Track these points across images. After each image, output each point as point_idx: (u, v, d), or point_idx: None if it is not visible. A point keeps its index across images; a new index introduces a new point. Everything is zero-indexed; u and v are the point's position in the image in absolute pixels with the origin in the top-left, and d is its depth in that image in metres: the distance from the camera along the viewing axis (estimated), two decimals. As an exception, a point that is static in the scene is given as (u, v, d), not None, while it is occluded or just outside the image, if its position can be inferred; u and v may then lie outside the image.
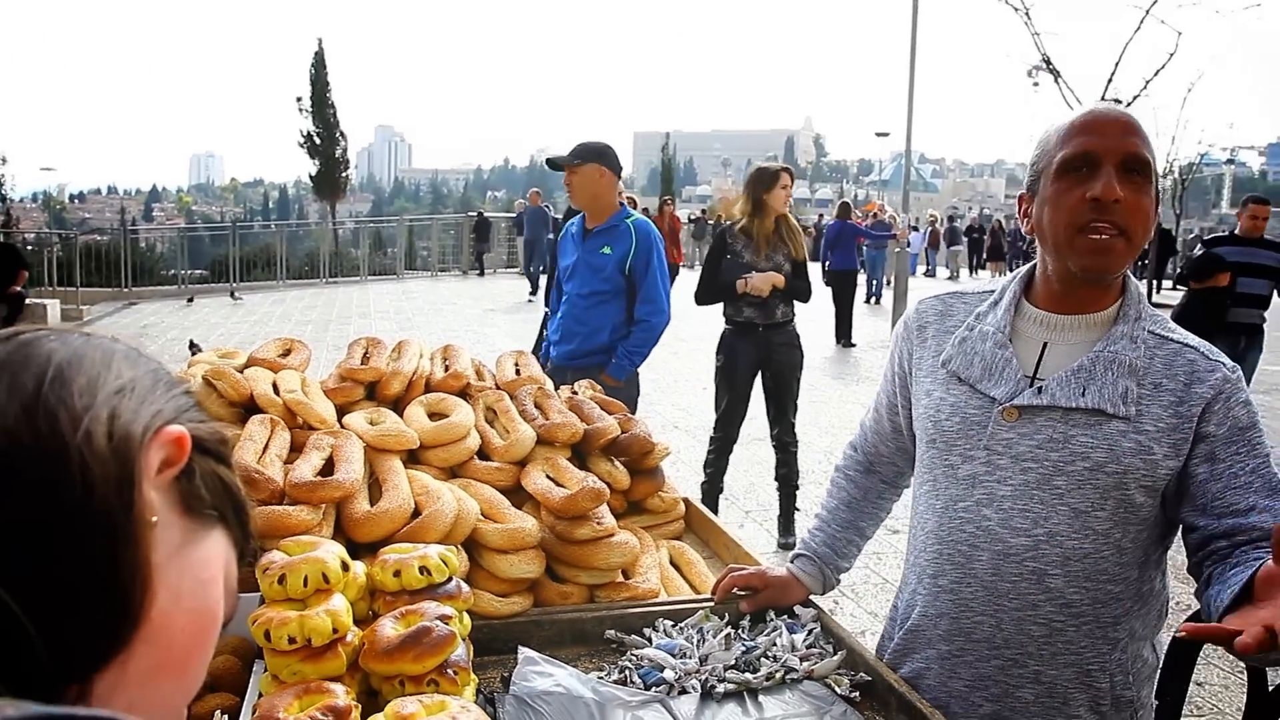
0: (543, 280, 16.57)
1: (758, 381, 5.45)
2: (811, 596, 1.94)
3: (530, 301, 17.65)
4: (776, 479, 5.65)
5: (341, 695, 1.34)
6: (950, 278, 26.98)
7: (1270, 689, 2.06)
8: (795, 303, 5.39)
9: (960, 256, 28.36)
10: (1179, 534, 1.63)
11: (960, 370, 1.70)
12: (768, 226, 5.23)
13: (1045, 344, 1.66)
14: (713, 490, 5.59)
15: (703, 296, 5.38)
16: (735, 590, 1.89)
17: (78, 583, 0.54)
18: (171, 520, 0.60)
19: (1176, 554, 1.64)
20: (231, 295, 18.82)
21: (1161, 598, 1.69)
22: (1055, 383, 1.60)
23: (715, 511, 4.82)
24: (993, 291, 1.77)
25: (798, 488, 5.63)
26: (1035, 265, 1.72)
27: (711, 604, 1.87)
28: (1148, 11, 21.94)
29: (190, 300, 18.14)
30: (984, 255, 27.82)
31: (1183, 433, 1.55)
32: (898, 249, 16.28)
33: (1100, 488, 1.56)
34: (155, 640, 0.58)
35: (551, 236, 18.64)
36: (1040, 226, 1.62)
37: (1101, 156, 1.54)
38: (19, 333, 0.61)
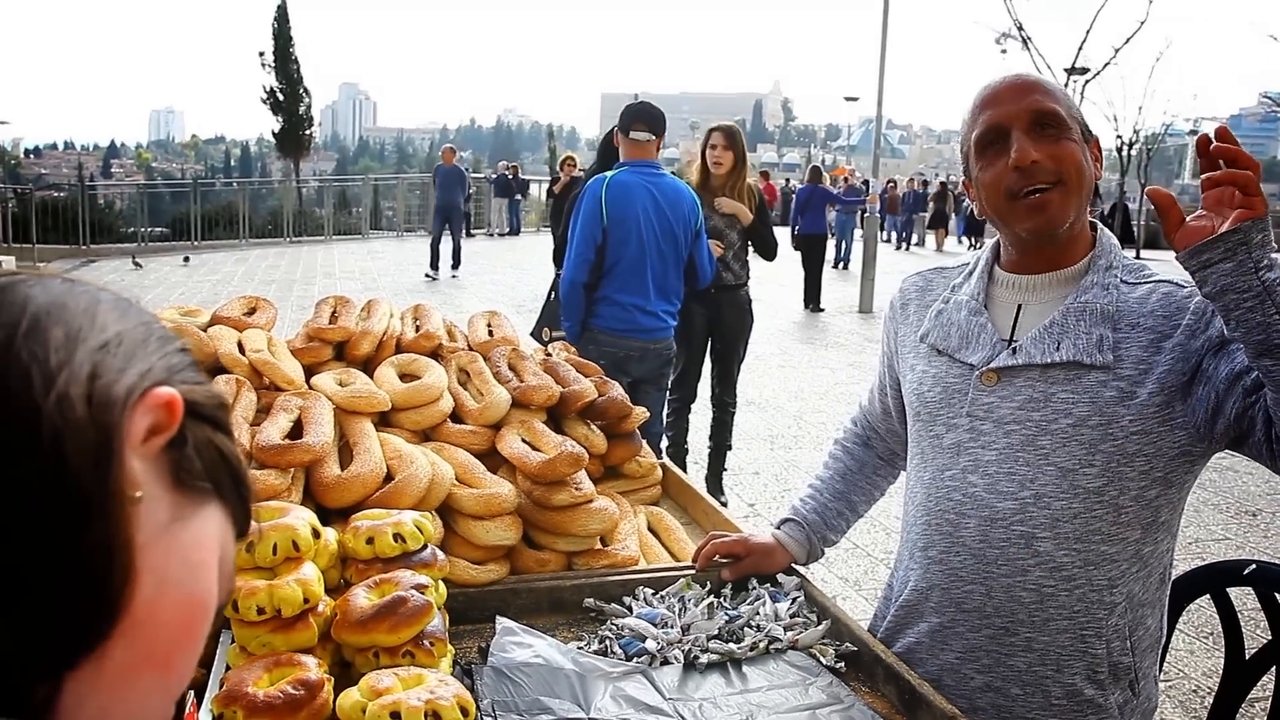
0: (445, 248, 15.46)
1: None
2: (794, 565, 1.90)
3: (431, 279, 15.31)
4: (710, 439, 5.72)
5: (313, 668, 1.29)
6: (912, 246, 25.91)
7: (1247, 656, 2.05)
8: (752, 266, 5.44)
9: (923, 223, 27.17)
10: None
11: (938, 342, 1.70)
12: (712, 188, 5.19)
13: (1020, 305, 1.66)
14: (678, 453, 5.57)
15: None
16: (717, 558, 1.85)
17: (47, 568, 0.47)
18: (158, 495, 0.53)
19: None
20: (185, 260, 17.50)
21: (1164, 560, 1.66)
22: (1029, 341, 1.59)
23: (685, 471, 4.82)
24: (968, 264, 1.78)
25: (729, 448, 5.75)
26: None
27: (693, 572, 1.83)
28: (1119, -22, 21.97)
29: (137, 263, 16.65)
30: (927, 224, 26.24)
31: (1169, 361, 1.51)
32: (867, 213, 16.25)
33: (1086, 443, 1.54)
34: (137, 632, 0.51)
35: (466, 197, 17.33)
36: (982, 205, 1.65)
37: (1008, 124, 1.57)
38: None
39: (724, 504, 5.26)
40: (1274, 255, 1.36)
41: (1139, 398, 1.51)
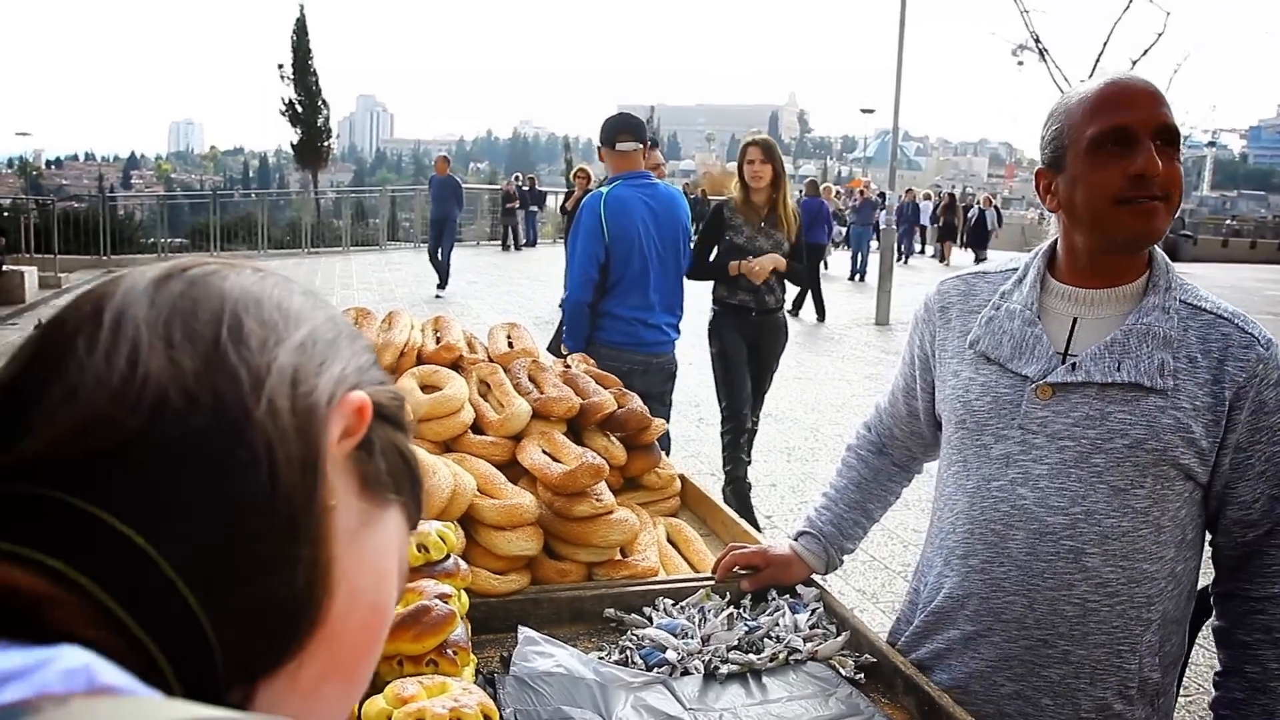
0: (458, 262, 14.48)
1: None
2: (814, 576, 1.91)
3: (438, 298, 14.34)
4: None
5: (338, 676, 1.30)
6: (910, 259, 24.53)
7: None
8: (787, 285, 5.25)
9: (921, 236, 26.17)
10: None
11: (989, 350, 1.67)
12: (755, 204, 5.00)
13: (1075, 319, 1.64)
14: (739, 491, 5.22)
15: (695, 273, 5.05)
16: (736, 569, 1.86)
17: (257, 579, 0.46)
18: (349, 502, 0.51)
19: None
20: None
21: (1192, 578, 1.67)
22: (1089, 358, 1.57)
23: (752, 522, 4.67)
24: (1015, 269, 1.74)
25: (749, 464, 5.48)
26: (1055, 241, 1.69)
27: (712, 583, 1.84)
28: (1137, -10, 21.91)
29: None
30: (936, 236, 25.28)
31: (1216, 413, 1.53)
32: (884, 226, 16.19)
33: (1139, 465, 1.54)
34: (329, 643, 0.50)
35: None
36: (1071, 203, 1.58)
37: (1137, 130, 1.51)
38: (185, 267, 0.52)
39: (755, 523, 5.25)
40: None
41: (1193, 432, 1.52)
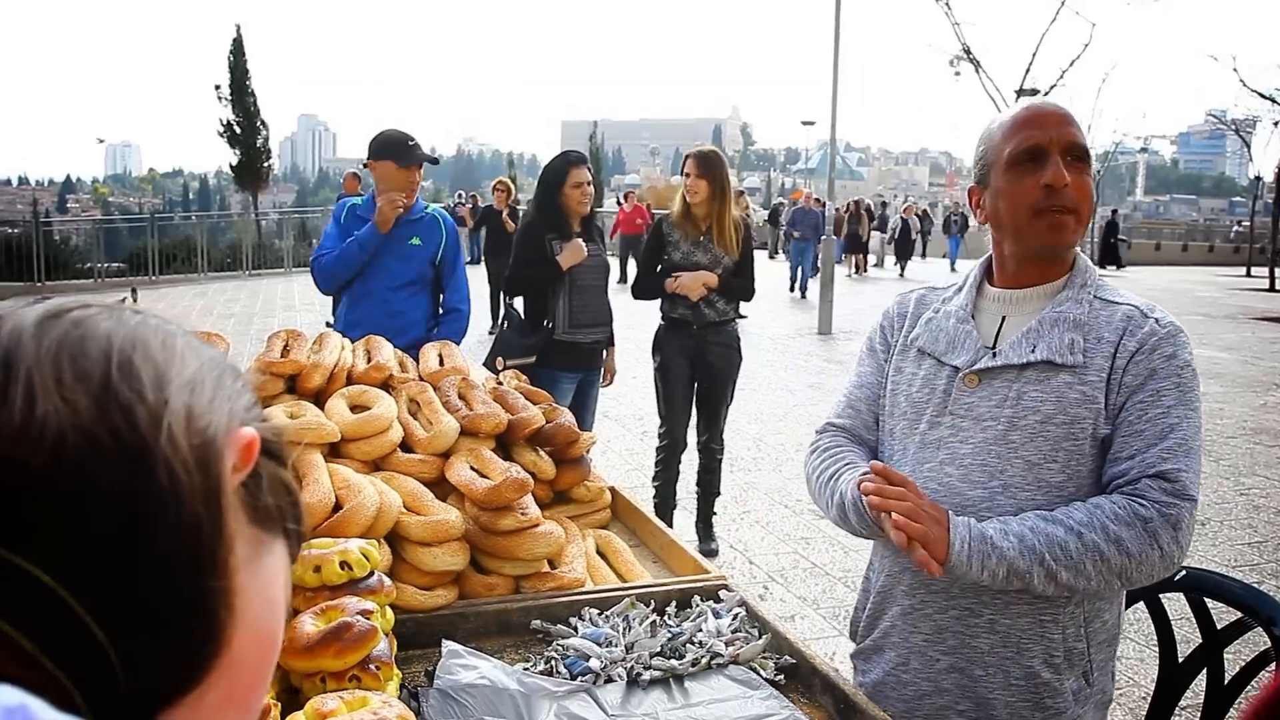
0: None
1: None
2: (739, 582, 1.95)
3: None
4: (698, 485, 5.28)
5: (260, 694, 1.32)
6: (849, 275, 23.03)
7: (1180, 660, 2.12)
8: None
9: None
10: None
11: (927, 346, 1.84)
12: (695, 218, 4.84)
13: (1004, 317, 1.80)
14: (665, 505, 5.18)
15: (637, 291, 5.04)
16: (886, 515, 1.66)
17: (164, 608, 0.47)
18: (242, 534, 0.52)
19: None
20: (132, 293, 16.62)
21: None
22: (1009, 345, 1.74)
23: (671, 526, 4.58)
24: (958, 283, 1.93)
25: (718, 494, 5.31)
26: (992, 254, 1.86)
27: (637, 591, 1.88)
28: (1063, 3, 22.46)
29: (133, 296, 15.62)
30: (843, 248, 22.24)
31: (1113, 381, 1.67)
32: (824, 237, 16.28)
33: (1051, 439, 1.67)
34: (229, 671, 0.51)
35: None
36: (996, 215, 1.78)
37: (1047, 147, 1.69)
38: (66, 309, 0.52)
39: (715, 550, 5.22)
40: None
41: (1097, 403, 1.66)
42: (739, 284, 4.93)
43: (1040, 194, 1.69)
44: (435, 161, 4.43)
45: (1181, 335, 1.70)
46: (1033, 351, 1.70)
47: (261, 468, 0.54)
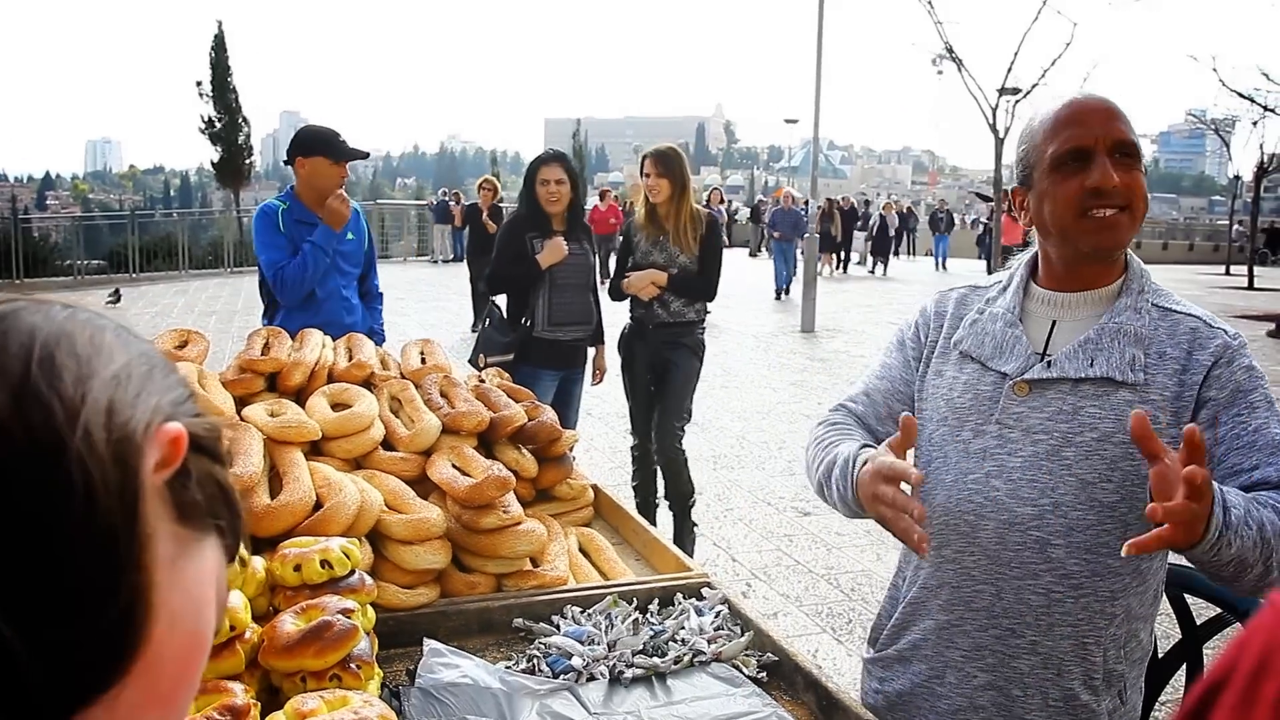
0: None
1: None
2: (722, 579, 1.95)
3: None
4: (667, 497, 4.99)
5: (240, 694, 1.31)
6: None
7: (1160, 655, 2.13)
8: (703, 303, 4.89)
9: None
10: None
11: (972, 350, 1.76)
12: (658, 217, 4.76)
13: (1054, 322, 1.73)
14: (646, 505, 5.07)
15: (611, 292, 4.94)
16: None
17: (76, 605, 0.46)
18: (166, 531, 0.51)
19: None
20: (114, 294, 15.99)
21: (1159, 577, 1.73)
22: (1064, 356, 1.66)
23: (654, 524, 4.51)
24: (1002, 281, 1.84)
25: (692, 504, 4.99)
26: (1038, 251, 1.78)
27: (619, 589, 1.88)
28: (1045, 2, 22.57)
29: (116, 295, 15.68)
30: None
31: (1185, 400, 1.60)
32: (807, 235, 16.23)
33: (1108, 458, 1.60)
34: (148, 671, 0.50)
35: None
36: (1040, 217, 1.69)
37: (1092, 147, 1.61)
38: None
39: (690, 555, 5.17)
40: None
41: (1160, 423, 1.58)
42: (696, 283, 4.75)
43: (1086, 196, 1.61)
44: (365, 156, 4.41)
45: (1246, 343, 1.65)
46: (1091, 365, 1.63)
47: (190, 464, 0.53)
